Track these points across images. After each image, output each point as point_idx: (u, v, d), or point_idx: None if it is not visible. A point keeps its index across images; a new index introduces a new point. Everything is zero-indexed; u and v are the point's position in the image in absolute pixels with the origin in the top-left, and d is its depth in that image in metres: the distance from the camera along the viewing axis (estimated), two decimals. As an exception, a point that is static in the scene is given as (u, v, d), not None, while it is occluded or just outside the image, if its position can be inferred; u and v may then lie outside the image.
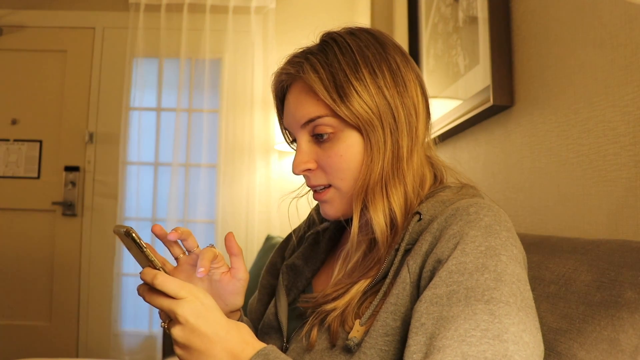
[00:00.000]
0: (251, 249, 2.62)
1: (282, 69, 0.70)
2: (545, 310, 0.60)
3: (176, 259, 0.73)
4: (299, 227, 0.88)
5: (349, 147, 0.66)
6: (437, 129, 1.52)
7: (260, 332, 0.78)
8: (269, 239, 2.33)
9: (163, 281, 0.54)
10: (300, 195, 0.79)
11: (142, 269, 0.59)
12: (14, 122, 2.77)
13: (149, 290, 0.56)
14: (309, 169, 0.69)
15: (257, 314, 0.86)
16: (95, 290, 2.67)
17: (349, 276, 0.66)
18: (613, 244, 0.61)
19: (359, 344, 0.58)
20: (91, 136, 2.75)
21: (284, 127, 0.75)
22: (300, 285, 0.77)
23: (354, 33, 0.69)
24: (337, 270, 0.70)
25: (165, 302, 0.54)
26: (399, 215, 0.64)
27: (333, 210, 0.70)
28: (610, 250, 0.59)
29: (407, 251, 0.62)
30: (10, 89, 2.78)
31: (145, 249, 0.57)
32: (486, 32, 1.19)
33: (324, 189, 0.69)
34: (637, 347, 0.49)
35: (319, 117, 0.66)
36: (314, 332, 0.64)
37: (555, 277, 0.62)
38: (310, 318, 0.67)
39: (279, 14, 2.78)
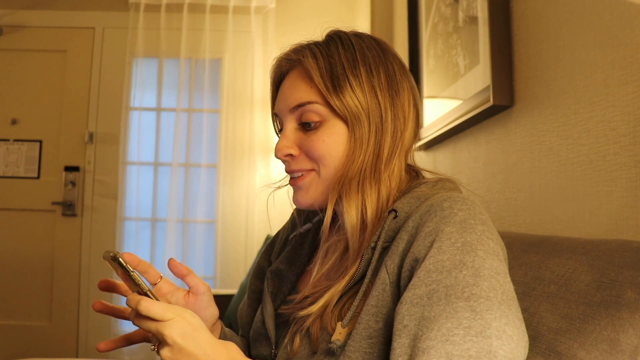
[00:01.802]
0: (251, 249, 2.62)
1: (284, 54, 0.72)
2: (545, 310, 0.60)
3: (154, 285, 0.75)
4: (284, 227, 0.87)
5: (333, 135, 0.67)
6: (437, 129, 1.52)
7: (252, 340, 0.78)
8: (269, 239, 2.33)
9: (147, 306, 0.53)
10: (282, 185, 0.78)
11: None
12: (14, 122, 2.77)
13: (136, 314, 0.56)
14: (291, 155, 0.69)
15: (247, 319, 0.86)
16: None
17: (326, 277, 0.66)
18: (613, 244, 0.61)
19: (342, 347, 0.58)
20: (91, 136, 2.75)
21: (274, 114, 0.75)
22: (286, 290, 0.76)
23: (358, 35, 0.71)
24: (316, 271, 0.70)
25: (152, 325, 0.54)
26: (370, 214, 0.64)
27: (306, 198, 0.69)
28: (610, 250, 0.59)
29: (385, 249, 0.62)
30: (10, 89, 2.78)
31: (132, 273, 0.57)
32: (486, 32, 1.19)
33: (302, 175, 0.69)
34: (637, 347, 0.49)
35: (309, 102, 0.67)
36: (297, 338, 0.64)
37: (555, 277, 0.62)
38: (292, 324, 0.67)
39: (279, 14, 2.79)
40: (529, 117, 1.07)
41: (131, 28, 2.69)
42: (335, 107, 0.66)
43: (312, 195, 0.69)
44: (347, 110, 0.65)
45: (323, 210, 0.71)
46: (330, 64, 0.67)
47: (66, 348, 2.64)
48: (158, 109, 2.73)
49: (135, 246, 2.66)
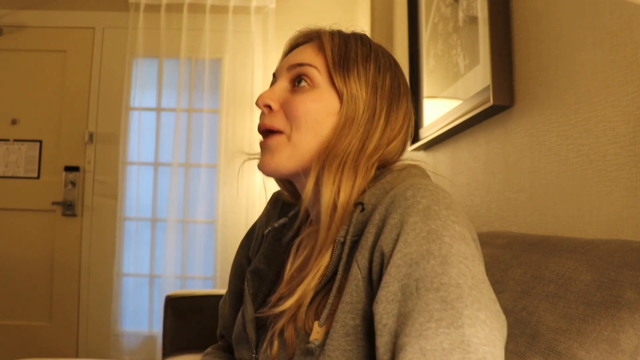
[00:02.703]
0: (251, 249, 2.61)
1: (304, 28, 0.74)
2: (544, 310, 0.60)
3: None
4: (260, 221, 0.85)
5: (318, 102, 0.67)
6: (437, 129, 1.52)
7: (234, 343, 0.77)
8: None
9: None
10: (255, 157, 0.76)
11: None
12: (14, 122, 2.77)
13: None
14: (270, 107, 0.69)
15: (229, 320, 0.84)
16: (95, 290, 2.67)
17: (300, 269, 0.66)
18: (613, 244, 0.61)
19: (321, 346, 0.57)
20: (91, 136, 2.75)
21: (273, 75, 0.75)
22: (266, 290, 0.74)
23: (379, 43, 0.74)
24: (289, 266, 0.69)
25: None
26: (342, 199, 0.63)
27: (271, 162, 0.68)
28: (610, 250, 0.59)
29: (355, 243, 0.61)
30: (10, 89, 2.78)
31: None
32: (486, 32, 1.19)
33: (271, 135, 0.69)
34: (637, 347, 0.49)
35: (309, 65, 0.68)
36: (275, 342, 0.64)
37: (555, 276, 0.62)
38: (270, 328, 0.66)
39: (279, 14, 2.79)
40: (529, 117, 1.07)
41: (131, 28, 2.69)
42: (335, 80, 0.66)
43: (277, 160, 0.67)
44: (346, 88, 0.66)
45: (297, 197, 0.70)
46: (346, 48, 0.68)
47: (66, 348, 2.64)
48: (158, 109, 2.73)
49: (135, 246, 2.66)
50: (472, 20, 1.30)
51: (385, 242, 0.55)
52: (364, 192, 0.65)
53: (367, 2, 2.57)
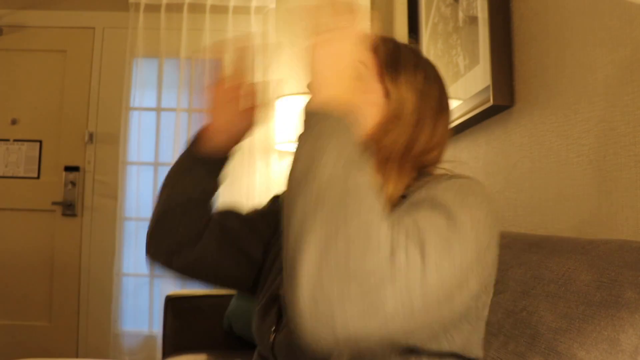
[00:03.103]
0: (251, 249, 2.61)
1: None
2: (544, 310, 0.60)
3: None
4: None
5: (364, 92, 0.68)
6: (437, 129, 1.52)
7: (256, 315, 0.78)
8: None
9: None
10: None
11: None
12: (14, 122, 2.77)
13: None
14: None
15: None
16: (95, 290, 2.67)
17: None
18: (613, 244, 0.61)
19: None
20: (91, 136, 2.75)
21: None
22: None
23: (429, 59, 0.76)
24: None
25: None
26: (388, 195, 0.65)
27: None
28: (610, 250, 0.59)
29: None
30: (10, 89, 2.78)
31: None
32: (486, 32, 1.19)
33: None
34: (637, 347, 0.49)
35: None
36: None
37: (555, 276, 0.62)
38: None
39: (279, 14, 2.79)
40: (529, 117, 1.07)
41: (131, 28, 2.69)
42: (385, 79, 0.67)
43: None
44: (394, 88, 0.67)
45: None
46: (398, 52, 0.70)
47: (66, 348, 2.64)
48: (158, 109, 2.73)
49: (135, 246, 2.66)
50: (472, 20, 1.30)
51: (412, 193, 0.57)
52: (407, 188, 0.67)
53: (367, 2, 2.57)
